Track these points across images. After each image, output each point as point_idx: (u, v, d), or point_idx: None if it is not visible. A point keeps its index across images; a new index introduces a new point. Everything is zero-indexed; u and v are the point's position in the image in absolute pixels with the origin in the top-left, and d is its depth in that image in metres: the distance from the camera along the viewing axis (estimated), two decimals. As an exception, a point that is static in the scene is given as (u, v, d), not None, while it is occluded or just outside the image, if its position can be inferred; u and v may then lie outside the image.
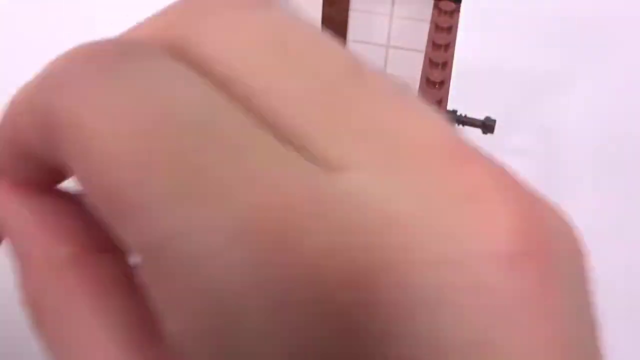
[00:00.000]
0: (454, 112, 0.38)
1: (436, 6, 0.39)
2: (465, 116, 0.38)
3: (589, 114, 0.48)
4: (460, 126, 0.38)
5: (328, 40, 0.15)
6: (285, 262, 0.11)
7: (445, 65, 0.35)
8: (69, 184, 0.18)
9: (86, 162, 0.14)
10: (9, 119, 0.17)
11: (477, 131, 0.39)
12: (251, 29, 0.15)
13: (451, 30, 0.38)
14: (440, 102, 0.37)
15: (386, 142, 0.13)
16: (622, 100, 0.50)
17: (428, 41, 0.37)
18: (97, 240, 0.16)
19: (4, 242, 0.17)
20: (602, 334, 0.20)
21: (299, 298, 0.11)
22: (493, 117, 0.39)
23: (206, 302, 0.12)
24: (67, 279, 0.15)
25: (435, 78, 0.34)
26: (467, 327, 0.11)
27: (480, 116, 0.39)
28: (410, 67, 0.40)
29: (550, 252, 0.12)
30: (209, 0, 0.16)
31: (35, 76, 0.16)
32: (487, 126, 0.38)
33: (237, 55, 0.14)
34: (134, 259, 0.14)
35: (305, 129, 0.13)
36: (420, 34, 0.41)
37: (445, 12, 0.39)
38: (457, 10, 0.39)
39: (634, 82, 0.51)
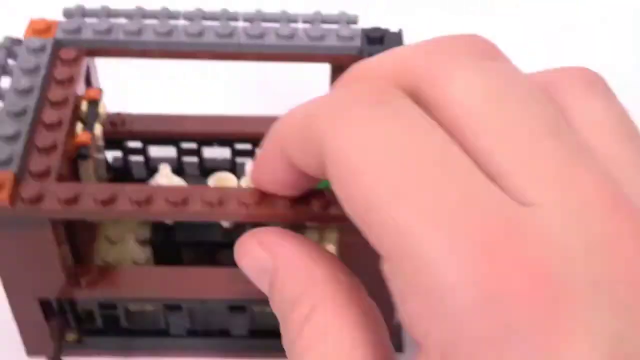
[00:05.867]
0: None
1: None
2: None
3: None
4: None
5: (541, 96, 0.20)
6: (489, 264, 0.16)
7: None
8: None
9: (350, 185, 0.19)
10: (278, 137, 0.23)
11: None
12: (482, 79, 0.19)
13: None
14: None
15: (569, 190, 0.18)
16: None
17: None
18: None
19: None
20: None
21: (497, 288, 0.16)
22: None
23: (430, 289, 0.17)
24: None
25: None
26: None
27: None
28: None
29: None
30: (452, 49, 0.21)
31: (301, 108, 0.22)
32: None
33: (466, 101, 0.19)
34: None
35: (510, 169, 0.18)
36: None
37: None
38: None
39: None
